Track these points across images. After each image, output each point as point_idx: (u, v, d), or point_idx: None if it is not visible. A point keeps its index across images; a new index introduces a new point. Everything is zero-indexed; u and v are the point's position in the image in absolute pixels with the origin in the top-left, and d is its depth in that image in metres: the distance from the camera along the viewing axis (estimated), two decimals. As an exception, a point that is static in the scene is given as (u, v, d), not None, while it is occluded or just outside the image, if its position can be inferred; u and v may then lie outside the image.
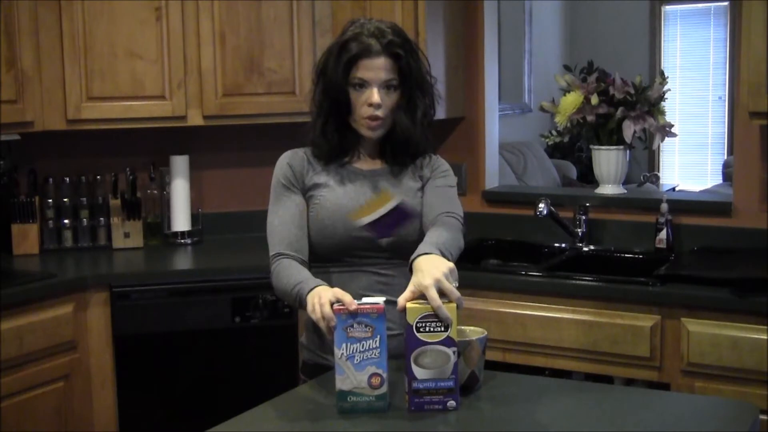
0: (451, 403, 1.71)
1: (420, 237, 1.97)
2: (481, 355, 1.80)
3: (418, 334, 1.68)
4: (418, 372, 1.70)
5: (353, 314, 1.69)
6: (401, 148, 2.04)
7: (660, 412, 1.72)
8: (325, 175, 2.04)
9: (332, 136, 2.03)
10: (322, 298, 1.73)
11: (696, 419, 1.72)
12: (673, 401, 1.88)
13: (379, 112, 1.97)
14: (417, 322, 1.68)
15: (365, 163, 2.07)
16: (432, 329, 1.68)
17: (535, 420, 1.70)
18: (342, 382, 1.71)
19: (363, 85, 1.96)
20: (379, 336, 1.69)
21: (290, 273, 1.91)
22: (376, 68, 1.95)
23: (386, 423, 1.68)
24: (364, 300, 1.72)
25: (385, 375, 1.71)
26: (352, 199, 2.01)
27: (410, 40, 2.01)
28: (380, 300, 1.72)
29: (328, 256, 2.01)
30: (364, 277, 2.01)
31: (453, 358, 1.69)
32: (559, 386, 2.00)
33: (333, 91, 1.99)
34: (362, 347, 1.70)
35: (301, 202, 2.03)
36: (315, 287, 1.81)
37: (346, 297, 1.71)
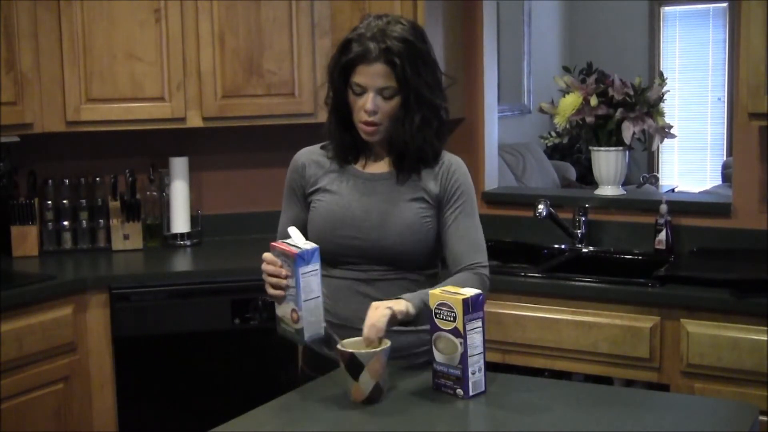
0: (459, 391, 1.75)
1: (411, 248, 1.97)
2: (385, 367, 1.75)
3: (436, 320, 1.76)
4: (437, 355, 1.77)
5: (280, 252, 1.79)
6: (402, 154, 2.01)
7: (660, 413, 1.72)
8: (329, 178, 2.04)
9: (344, 135, 2.02)
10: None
11: (696, 420, 1.72)
12: (673, 402, 1.89)
13: (374, 119, 1.94)
14: (435, 308, 1.75)
15: (372, 166, 2.05)
16: (444, 317, 1.74)
17: (534, 421, 1.70)
18: (278, 308, 1.83)
19: (361, 89, 1.93)
20: (294, 278, 1.76)
21: None
22: (372, 74, 1.91)
23: (386, 422, 1.69)
24: (297, 243, 1.80)
25: (301, 314, 1.77)
26: (342, 206, 2.00)
27: (415, 43, 1.92)
28: (311, 246, 1.79)
29: (327, 259, 1.99)
30: (356, 285, 2.00)
31: (460, 349, 1.73)
32: (559, 388, 2.01)
33: (336, 92, 1.99)
34: (290, 283, 1.79)
35: (300, 211, 2.08)
36: None
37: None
